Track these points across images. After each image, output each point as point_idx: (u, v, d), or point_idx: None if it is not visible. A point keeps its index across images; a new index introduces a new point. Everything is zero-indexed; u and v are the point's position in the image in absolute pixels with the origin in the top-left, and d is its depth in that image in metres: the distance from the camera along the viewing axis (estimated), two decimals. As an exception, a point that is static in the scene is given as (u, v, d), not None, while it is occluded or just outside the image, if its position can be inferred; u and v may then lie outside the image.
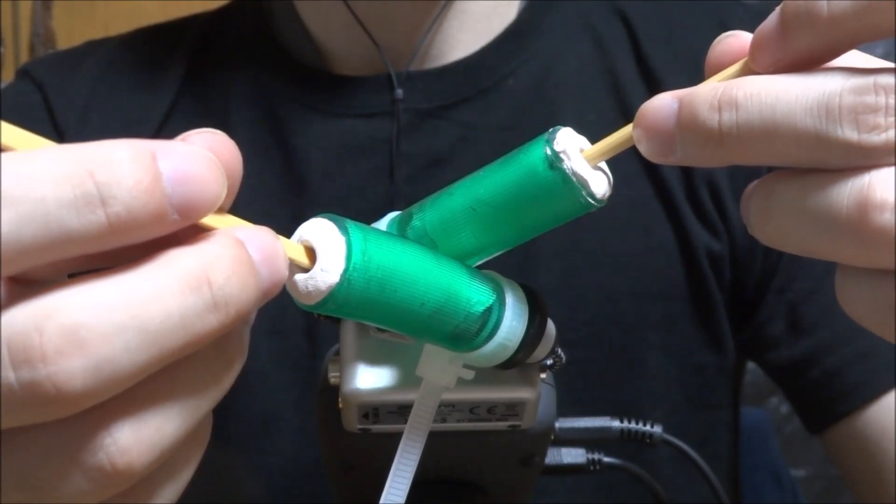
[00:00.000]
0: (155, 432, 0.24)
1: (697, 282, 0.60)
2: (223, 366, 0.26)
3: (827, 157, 0.25)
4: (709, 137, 0.26)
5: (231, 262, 0.24)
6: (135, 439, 0.24)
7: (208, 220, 0.25)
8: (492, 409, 0.36)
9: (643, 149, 0.28)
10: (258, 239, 0.25)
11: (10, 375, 0.22)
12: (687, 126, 0.27)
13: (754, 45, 0.27)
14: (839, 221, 0.25)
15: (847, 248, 0.25)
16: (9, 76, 1.68)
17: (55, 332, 0.22)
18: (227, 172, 0.25)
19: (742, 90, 0.26)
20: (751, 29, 0.28)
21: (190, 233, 0.25)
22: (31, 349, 0.22)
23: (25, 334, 0.22)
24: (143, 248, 0.24)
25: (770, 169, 0.27)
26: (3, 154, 0.22)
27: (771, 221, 0.27)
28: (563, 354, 0.36)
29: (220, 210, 0.26)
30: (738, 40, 0.28)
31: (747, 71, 0.27)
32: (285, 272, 0.26)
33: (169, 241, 0.24)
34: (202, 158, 0.24)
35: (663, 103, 0.27)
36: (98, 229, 0.22)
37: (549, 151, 0.29)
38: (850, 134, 0.24)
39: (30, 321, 0.22)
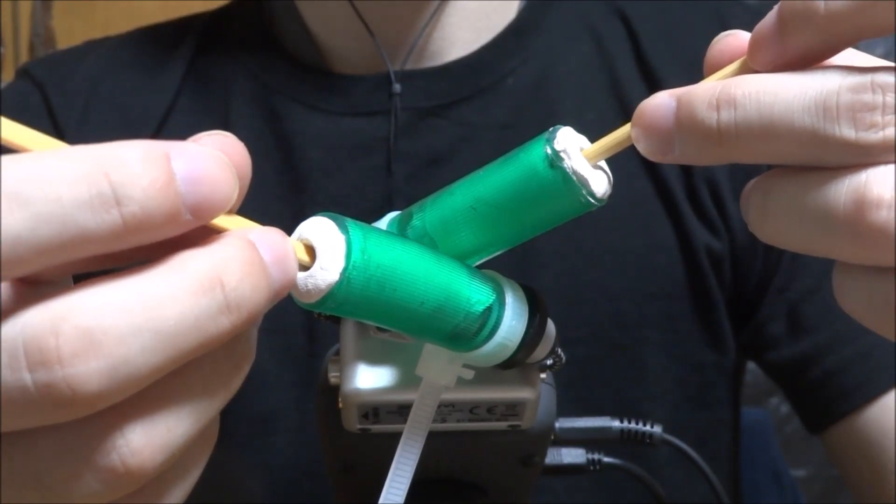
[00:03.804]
0: (166, 433, 0.24)
1: (698, 281, 0.60)
2: (233, 367, 0.26)
3: (824, 155, 0.25)
4: (707, 136, 0.26)
5: (243, 264, 0.24)
6: (146, 440, 0.24)
7: (219, 221, 0.25)
8: (492, 409, 0.36)
9: (641, 147, 0.28)
10: (269, 240, 0.25)
11: (26, 377, 0.22)
12: (685, 125, 0.27)
13: (752, 44, 0.27)
14: (836, 219, 0.25)
15: (844, 245, 0.25)
16: (9, 76, 1.68)
17: (71, 334, 0.22)
18: (237, 174, 0.25)
19: (740, 89, 0.26)
20: (750, 28, 0.28)
21: (200, 234, 0.25)
22: (48, 351, 0.22)
23: (42, 336, 0.22)
24: (153, 250, 0.24)
25: (770, 167, 0.28)
26: (19, 155, 0.22)
27: (769, 219, 0.27)
28: (563, 354, 0.36)
29: (230, 211, 0.26)
30: (736, 39, 0.29)
31: (746, 70, 0.27)
32: (295, 272, 0.26)
33: (179, 243, 0.24)
34: (214, 159, 0.24)
35: (661, 102, 0.27)
36: (113, 229, 0.22)
37: (549, 150, 0.29)
38: (847, 132, 0.24)
39: (46, 323, 0.22)
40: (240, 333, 0.25)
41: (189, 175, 0.23)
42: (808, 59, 0.26)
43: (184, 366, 0.24)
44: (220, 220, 0.25)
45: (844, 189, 0.25)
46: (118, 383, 0.22)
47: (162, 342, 0.23)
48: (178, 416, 0.25)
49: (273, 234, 0.26)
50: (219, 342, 0.24)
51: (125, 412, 0.24)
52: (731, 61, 0.28)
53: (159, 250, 0.24)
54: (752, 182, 0.28)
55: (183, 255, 0.24)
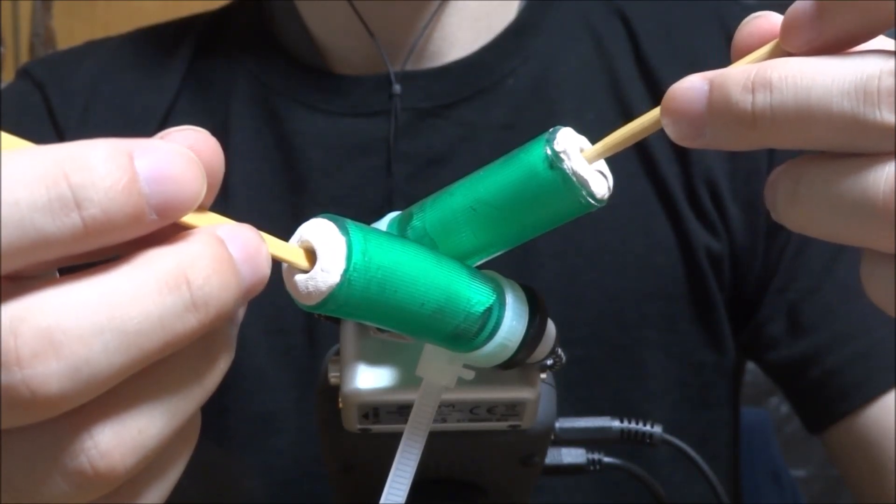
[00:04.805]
0: (137, 434, 0.24)
1: (697, 281, 0.60)
2: (207, 365, 0.26)
3: (863, 141, 0.25)
4: (741, 120, 0.26)
5: (211, 261, 0.24)
6: (116, 441, 0.23)
7: (189, 218, 0.25)
8: (492, 409, 0.36)
9: (671, 132, 0.27)
10: (239, 237, 0.25)
11: None
12: (718, 108, 0.26)
13: (787, 26, 0.26)
14: (874, 207, 0.24)
15: (880, 233, 0.25)
16: (9, 76, 1.68)
17: (30, 335, 0.22)
18: (208, 170, 0.25)
19: (777, 71, 0.25)
20: None
21: (171, 231, 0.24)
22: (7, 352, 0.21)
23: (0, 337, 0.21)
24: (126, 246, 0.24)
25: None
26: None
27: (799, 206, 0.26)
28: (563, 354, 0.36)
29: (202, 208, 0.25)
30: (766, 21, 0.28)
31: (778, 52, 0.27)
32: (267, 270, 0.26)
33: (151, 240, 0.24)
34: (180, 156, 0.24)
35: (693, 85, 0.27)
36: (73, 232, 0.22)
37: (549, 151, 0.29)
38: (888, 117, 0.24)
39: (5, 324, 0.22)
40: (214, 331, 0.25)
41: (153, 174, 0.23)
42: (844, 43, 0.26)
43: (155, 364, 0.24)
44: (191, 218, 0.25)
45: (884, 176, 0.24)
46: (80, 384, 0.22)
47: (125, 342, 0.22)
48: (151, 417, 0.24)
49: (244, 230, 0.25)
50: (186, 341, 0.24)
51: (94, 413, 0.23)
52: (760, 44, 0.28)
53: (131, 246, 0.24)
54: (779, 168, 0.27)
55: (148, 252, 0.24)
